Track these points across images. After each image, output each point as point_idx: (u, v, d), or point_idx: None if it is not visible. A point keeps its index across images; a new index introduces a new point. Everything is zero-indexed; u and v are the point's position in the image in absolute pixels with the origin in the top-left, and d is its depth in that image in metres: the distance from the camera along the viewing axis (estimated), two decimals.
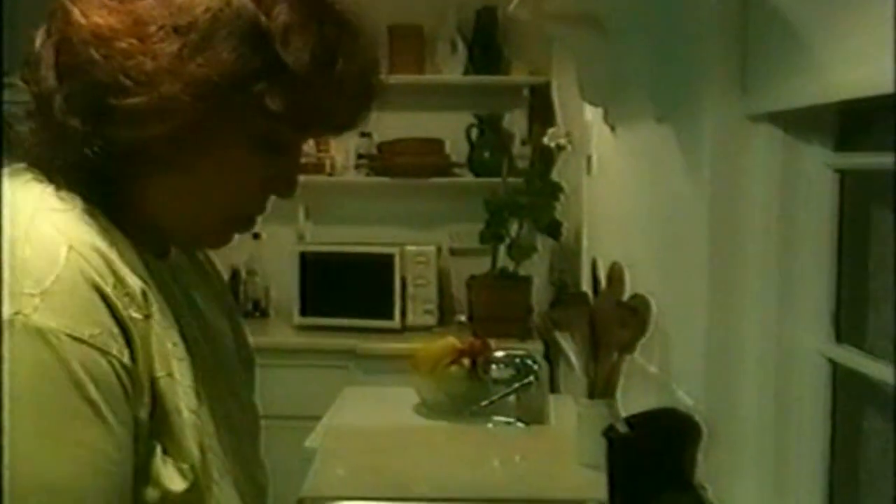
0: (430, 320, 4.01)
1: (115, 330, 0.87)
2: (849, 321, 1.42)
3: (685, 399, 1.70)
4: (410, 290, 3.99)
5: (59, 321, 0.83)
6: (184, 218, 0.99)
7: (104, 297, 0.87)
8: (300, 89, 0.92)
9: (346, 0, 0.98)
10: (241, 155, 0.96)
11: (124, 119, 0.89)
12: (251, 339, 1.24)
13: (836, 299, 1.43)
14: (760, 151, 1.51)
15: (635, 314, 1.89)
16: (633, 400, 1.97)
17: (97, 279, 0.87)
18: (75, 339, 0.84)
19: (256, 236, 4.08)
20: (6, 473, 0.78)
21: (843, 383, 1.43)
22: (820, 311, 1.45)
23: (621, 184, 2.53)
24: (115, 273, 0.89)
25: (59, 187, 0.93)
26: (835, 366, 1.43)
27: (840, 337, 1.42)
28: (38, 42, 0.94)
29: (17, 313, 0.82)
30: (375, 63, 1.00)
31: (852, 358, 1.36)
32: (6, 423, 0.78)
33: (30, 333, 0.82)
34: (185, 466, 0.93)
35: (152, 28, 0.89)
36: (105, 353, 0.85)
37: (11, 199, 0.91)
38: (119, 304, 0.88)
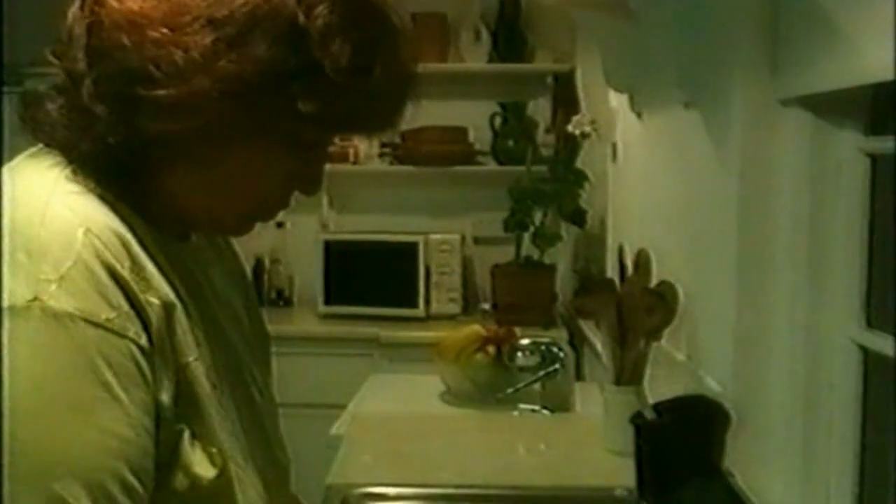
0: (455, 309, 4.01)
1: (132, 313, 0.87)
2: (880, 306, 1.40)
3: (713, 386, 1.69)
4: (434, 278, 3.99)
5: (75, 305, 0.83)
6: (205, 208, 0.98)
7: (120, 280, 0.87)
8: (334, 93, 0.90)
9: (393, 6, 0.95)
10: (268, 152, 0.95)
11: (151, 110, 0.88)
12: (266, 320, 1.23)
13: (867, 285, 1.42)
14: (791, 136, 1.49)
15: (662, 301, 1.88)
16: (660, 387, 1.96)
17: (113, 262, 0.87)
18: (92, 322, 0.83)
19: (280, 225, 4.09)
20: (6, 460, 0.78)
21: (874, 369, 1.41)
22: (851, 297, 1.43)
23: (648, 170, 2.51)
24: (132, 256, 0.89)
25: (76, 171, 0.92)
26: (865, 352, 1.42)
27: (871, 322, 1.41)
28: (70, 19, 0.92)
29: (34, 299, 0.82)
30: (413, 71, 0.98)
31: (883, 344, 1.35)
32: (6, 411, 0.78)
33: (47, 318, 0.82)
34: (214, 450, 0.93)
35: (187, 18, 0.87)
36: (122, 336, 0.85)
37: (29, 180, 0.91)
38: (136, 288, 0.88)
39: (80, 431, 0.82)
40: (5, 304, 0.81)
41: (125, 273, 0.87)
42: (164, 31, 0.87)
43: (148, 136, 0.89)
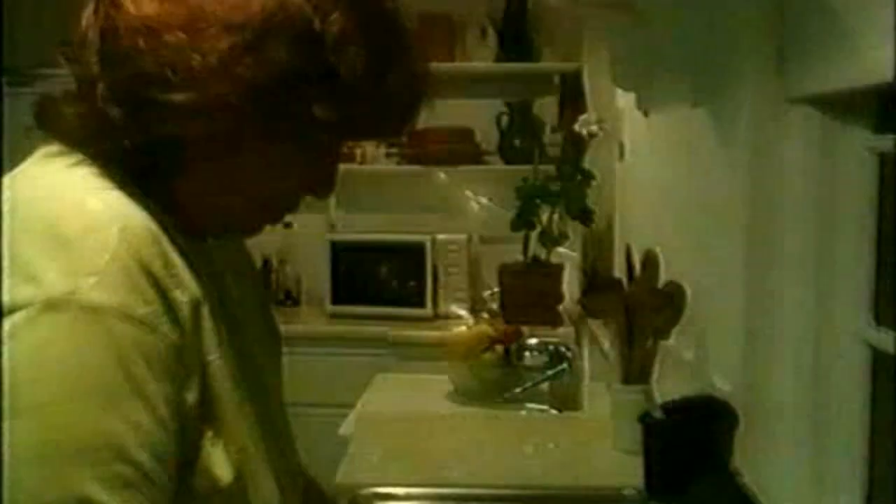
0: (462, 308, 4.00)
1: (163, 309, 0.87)
2: (888, 305, 1.40)
3: (721, 385, 1.69)
4: (442, 278, 3.99)
5: (112, 300, 0.83)
6: (216, 209, 0.99)
7: (154, 277, 0.87)
8: (348, 98, 0.90)
9: (404, 10, 0.96)
10: (282, 155, 0.95)
11: (167, 114, 0.88)
12: (277, 317, 1.24)
13: (875, 283, 1.42)
14: (799, 134, 1.49)
15: (670, 300, 1.88)
16: (668, 386, 1.96)
17: (147, 259, 0.87)
18: (128, 316, 0.84)
19: (288, 225, 4.08)
20: (6, 453, 0.78)
21: (883, 367, 1.41)
22: (859, 295, 1.43)
23: (655, 169, 2.51)
24: (164, 253, 0.90)
25: (100, 169, 0.92)
26: (874, 350, 1.41)
27: (879, 321, 1.41)
28: (84, 22, 0.92)
29: (72, 292, 0.82)
30: (425, 76, 0.98)
31: (892, 342, 1.35)
32: (6, 404, 0.79)
33: (84, 311, 0.82)
34: (233, 450, 0.94)
35: (203, 23, 0.87)
36: (155, 331, 0.86)
37: (55, 177, 0.92)
38: (168, 285, 0.88)
39: (107, 422, 0.82)
40: (44, 296, 0.82)
41: (158, 270, 0.88)
42: (181, 35, 0.87)
43: (163, 138, 0.90)
